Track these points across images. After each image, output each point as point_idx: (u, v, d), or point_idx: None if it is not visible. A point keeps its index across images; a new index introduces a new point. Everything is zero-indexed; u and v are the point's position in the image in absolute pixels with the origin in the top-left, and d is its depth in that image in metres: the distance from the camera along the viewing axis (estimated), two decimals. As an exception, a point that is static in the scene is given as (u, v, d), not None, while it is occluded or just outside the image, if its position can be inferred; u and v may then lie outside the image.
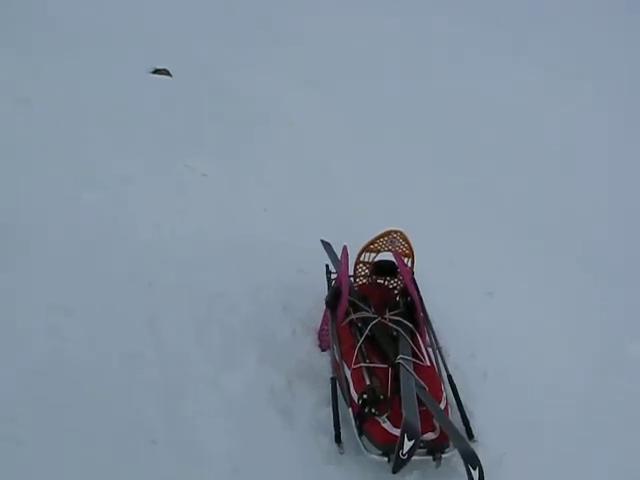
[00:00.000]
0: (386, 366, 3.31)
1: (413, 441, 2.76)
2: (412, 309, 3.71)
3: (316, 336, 3.86)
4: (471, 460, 2.80)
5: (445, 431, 2.99)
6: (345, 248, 3.71)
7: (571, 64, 8.18)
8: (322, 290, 3.89)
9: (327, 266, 4.05)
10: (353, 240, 3.88)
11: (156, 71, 7.06)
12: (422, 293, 3.79)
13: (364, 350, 3.39)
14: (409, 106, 7.27)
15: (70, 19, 7.32)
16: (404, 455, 2.75)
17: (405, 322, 3.60)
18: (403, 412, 2.92)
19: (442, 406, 3.16)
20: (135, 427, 2.96)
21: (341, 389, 3.31)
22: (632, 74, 8.25)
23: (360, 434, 3.04)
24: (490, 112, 7.18)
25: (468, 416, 3.30)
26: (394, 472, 2.80)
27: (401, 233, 3.82)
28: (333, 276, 3.96)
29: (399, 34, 8.96)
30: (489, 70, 8.06)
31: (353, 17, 9.26)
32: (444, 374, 3.45)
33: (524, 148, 6.65)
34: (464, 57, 8.59)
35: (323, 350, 3.77)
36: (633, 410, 3.64)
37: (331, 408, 3.22)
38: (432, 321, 3.73)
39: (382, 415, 3.04)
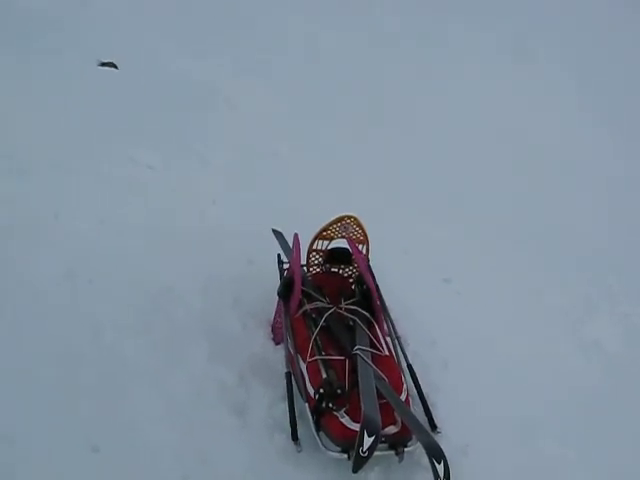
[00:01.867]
0: (343, 358, 3.17)
1: (373, 437, 2.60)
2: (368, 297, 3.57)
3: (269, 329, 3.70)
4: (435, 453, 2.66)
5: (407, 424, 2.85)
6: (296, 236, 3.56)
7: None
8: (274, 281, 3.72)
9: (279, 256, 3.90)
10: (306, 228, 3.73)
11: (102, 64, 6.86)
12: (378, 281, 3.67)
13: (319, 342, 3.24)
14: (365, 90, 7.18)
15: (21, 11, 7.00)
16: (364, 453, 2.59)
17: (361, 311, 3.48)
18: (362, 406, 2.78)
19: (403, 397, 3.04)
20: (74, 434, 2.75)
21: (297, 384, 3.15)
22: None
23: (318, 430, 2.90)
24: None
25: (430, 407, 3.20)
26: (354, 472, 2.64)
27: (355, 219, 3.68)
28: (285, 266, 3.81)
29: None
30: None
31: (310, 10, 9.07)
32: (404, 364, 3.33)
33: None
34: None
35: (277, 344, 3.60)
36: (592, 391, 3.65)
37: (287, 404, 3.07)
38: (390, 309, 3.62)
39: (340, 409, 2.89)
